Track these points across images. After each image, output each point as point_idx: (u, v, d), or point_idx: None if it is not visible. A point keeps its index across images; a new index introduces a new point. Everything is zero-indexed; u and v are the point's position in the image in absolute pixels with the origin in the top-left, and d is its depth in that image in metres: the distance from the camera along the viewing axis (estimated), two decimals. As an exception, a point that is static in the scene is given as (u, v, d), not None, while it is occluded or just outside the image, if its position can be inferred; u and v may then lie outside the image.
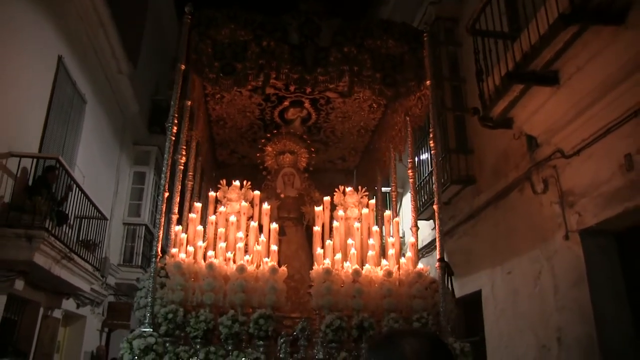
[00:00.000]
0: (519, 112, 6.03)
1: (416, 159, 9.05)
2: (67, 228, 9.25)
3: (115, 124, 13.62)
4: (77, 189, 9.31)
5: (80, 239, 10.03)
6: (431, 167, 9.52)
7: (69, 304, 10.96)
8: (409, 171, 6.49)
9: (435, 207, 5.60)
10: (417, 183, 7.57)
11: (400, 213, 11.21)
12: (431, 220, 9.56)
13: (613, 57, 4.70)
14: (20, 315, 9.10)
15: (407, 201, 9.98)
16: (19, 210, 7.72)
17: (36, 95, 8.82)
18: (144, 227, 14.62)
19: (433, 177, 8.46)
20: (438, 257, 5.35)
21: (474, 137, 8.39)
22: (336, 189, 6.77)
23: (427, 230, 9.96)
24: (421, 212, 9.18)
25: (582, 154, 5.60)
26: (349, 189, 6.75)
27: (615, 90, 4.88)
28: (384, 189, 8.11)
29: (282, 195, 7.44)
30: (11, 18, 7.56)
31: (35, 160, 8.59)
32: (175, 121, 5.44)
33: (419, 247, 6.63)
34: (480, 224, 8.09)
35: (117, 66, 12.60)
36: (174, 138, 5.44)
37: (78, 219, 9.87)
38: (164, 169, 5.32)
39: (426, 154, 9.74)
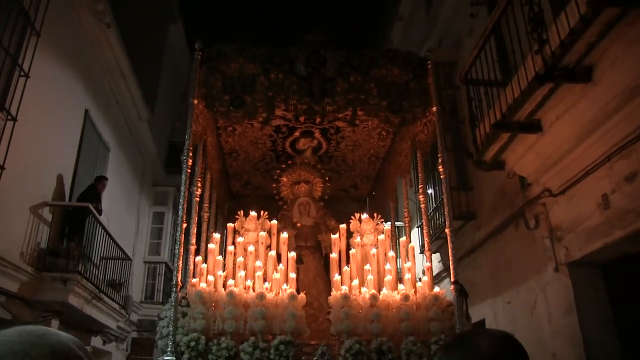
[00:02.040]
0: (509, 156, 6.57)
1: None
2: (95, 269, 9.85)
3: (135, 167, 14.29)
4: (104, 233, 9.95)
5: (107, 279, 10.62)
6: (436, 203, 10.06)
7: (96, 341, 11.47)
8: (420, 196, 6.68)
9: (447, 230, 5.78)
10: (429, 208, 7.90)
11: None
12: (438, 253, 10.10)
13: (586, 109, 5.26)
14: (52, 353, 9.66)
15: (414, 236, 10.46)
16: (54, 255, 8.36)
17: (66, 147, 9.50)
18: (164, 265, 15.20)
19: (444, 207, 9.06)
20: (452, 279, 5.52)
21: (473, 175, 8.93)
22: (352, 216, 6.95)
23: (434, 263, 10.44)
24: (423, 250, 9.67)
25: (567, 193, 6.14)
26: (364, 216, 6.93)
27: (590, 137, 5.44)
28: (397, 224, 8.37)
29: (298, 225, 7.56)
30: (45, 78, 8.21)
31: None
32: (190, 154, 5.62)
33: (426, 279, 7.04)
34: (481, 257, 8.61)
35: (137, 113, 13.36)
36: (189, 171, 5.61)
37: (104, 260, 10.48)
38: (181, 201, 5.47)
39: (430, 189, 10.24)
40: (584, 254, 5.85)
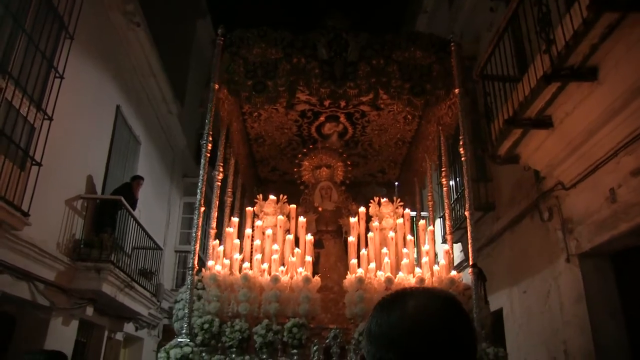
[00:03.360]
0: (522, 150, 6.76)
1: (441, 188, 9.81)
2: (127, 259, 10.27)
3: (165, 159, 14.69)
4: (136, 224, 10.38)
5: (139, 268, 11.06)
6: (456, 195, 10.27)
7: (129, 327, 11.98)
8: (443, 179, 6.76)
9: (467, 213, 5.83)
10: (451, 198, 7.91)
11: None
12: (459, 243, 10.32)
13: (593, 106, 5.44)
14: (88, 338, 10.18)
15: (437, 225, 10.64)
16: (88, 245, 8.80)
17: (99, 142, 9.93)
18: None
19: (464, 197, 9.24)
20: (471, 262, 5.49)
21: (492, 166, 9.10)
22: (371, 200, 6.97)
23: (455, 254, 10.65)
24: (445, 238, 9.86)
25: (578, 186, 6.32)
26: (384, 200, 6.94)
27: (599, 133, 5.61)
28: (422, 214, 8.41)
29: (319, 209, 7.57)
30: (78, 77, 8.58)
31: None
32: (210, 139, 5.62)
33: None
34: (500, 247, 8.81)
35: (166, 108, 13.74)
36: (209, 155, 5.60)
37: (136, 250, 10.92)
38: (199, 184, 5.51)
39: (452, 181, 10.39)
40: (593, 245, 6.04)
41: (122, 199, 9.37)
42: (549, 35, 5.28)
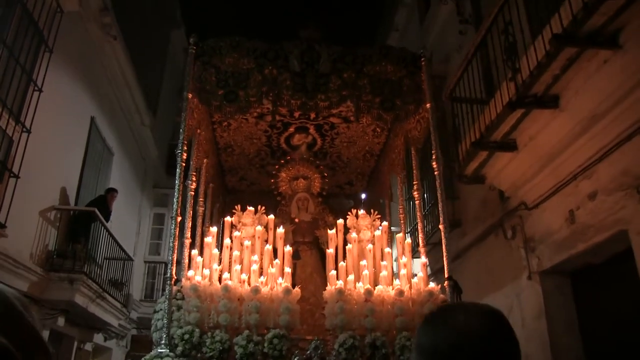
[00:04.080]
0: (488, 171, 7.04)
1: (410, 203, 10.06)
2: (98, 269, 10.31)
3: (137, 169, 14.72)
4: (108, 235, 10.43)
5: (109, 278, 11.08)
6: (424, 211, 10.46)
7: (98, 338, 11.95)
8: (415, 192, 6.92)
9: (441, 227, 6.13)
10: (423, 209, 8.02)
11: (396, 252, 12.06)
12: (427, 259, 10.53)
13: (555, 132, 5.75)
14: (58, 348, 10.14)
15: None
16: (61, 256, 8.83)
17: (73, 153, 9.98)
18: (163, 264, 15.62)
19: (432, 213, 9.49)
20: (446, 275, 5.72)
21: (459, 185, 9.36)
22: (349, 212, 7.02)
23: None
24: (415, 251, 10.08)
25: (540, 207, 6.61)
26: (361, 212, 7.02)
27: (559, 157, 5.92)
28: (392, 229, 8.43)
29: (296, 220, 7.63)
30: (55, 90, 8.59)
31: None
32: (185, 148, 5.71)
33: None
34: (466, 263, 9.04)
35: (140, 119, 13.79)
36: (184, 164, 5.66)
37: (107, 260, 10.94)
38: (175, 194, 5.52)
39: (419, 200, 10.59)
40: (553, 263, 6.33)
41: (96, 210, 9.43)
42: (514, 64, 5.61)
